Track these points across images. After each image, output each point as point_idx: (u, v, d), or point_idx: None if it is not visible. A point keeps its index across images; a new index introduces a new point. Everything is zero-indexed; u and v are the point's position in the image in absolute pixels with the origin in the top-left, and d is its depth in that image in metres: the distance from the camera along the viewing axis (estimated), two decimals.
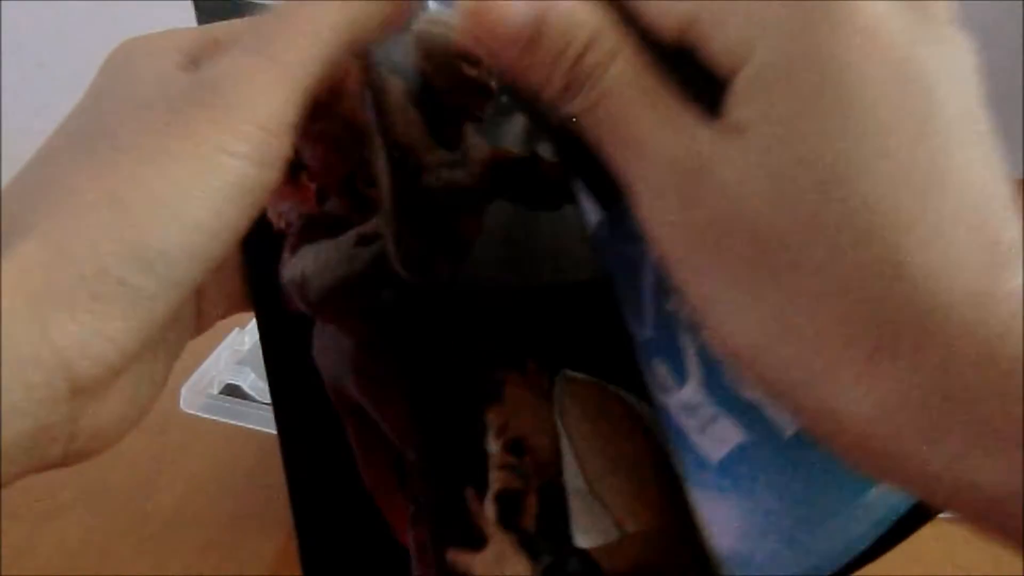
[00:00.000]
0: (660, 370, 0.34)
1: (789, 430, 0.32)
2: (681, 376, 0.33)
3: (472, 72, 0.41)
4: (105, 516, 0.53)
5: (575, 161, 0.34)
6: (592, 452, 0.41)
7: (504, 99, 0.42)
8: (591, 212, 0.34)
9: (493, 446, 0.41)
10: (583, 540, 0.38)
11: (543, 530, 0.38)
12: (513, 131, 0.42)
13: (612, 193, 0.30)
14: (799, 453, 0.32)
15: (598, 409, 0.42)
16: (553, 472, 0.39)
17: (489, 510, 0.38)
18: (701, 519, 0.35)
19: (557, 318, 0.43)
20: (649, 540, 0.38)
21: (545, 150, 0.42)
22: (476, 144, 0.42)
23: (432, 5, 0.40)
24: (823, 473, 0.32)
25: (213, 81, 0.26)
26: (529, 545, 0.38)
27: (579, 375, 0.42)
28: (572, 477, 0.41)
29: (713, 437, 0.34)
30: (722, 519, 0.34)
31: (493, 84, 0.41)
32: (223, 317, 0.37)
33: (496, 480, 0.38)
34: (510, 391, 0.42)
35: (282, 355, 0.37)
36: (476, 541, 0.38)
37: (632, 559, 0.38)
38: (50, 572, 0.49)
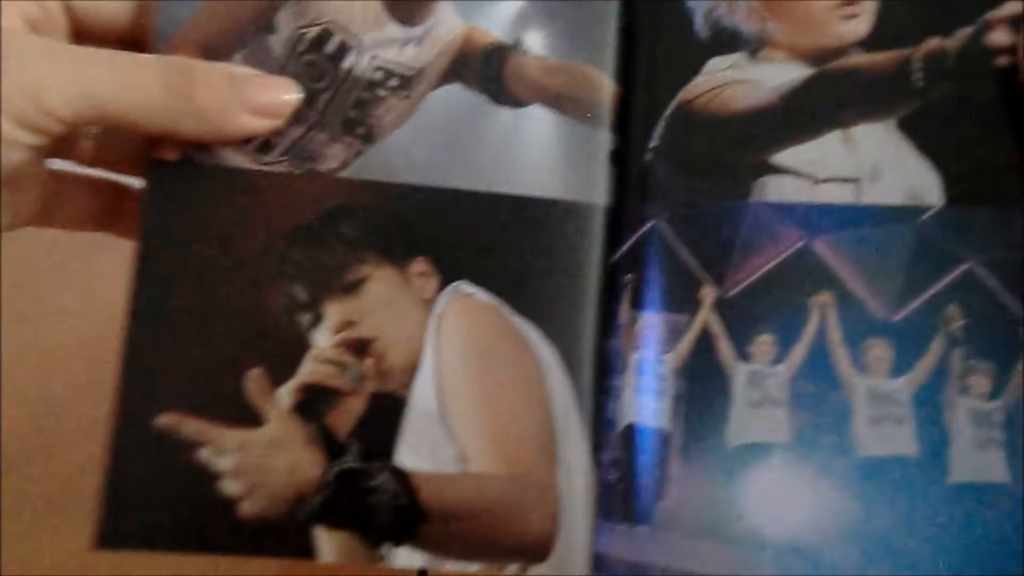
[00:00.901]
0: (880, 352, 0.34)
1: (956, 477, 0.33)
2: (903, 368, 0.34)
3: None
4: None
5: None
6: (459, 377, 0.35)
7: None
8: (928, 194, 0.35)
9: (323, 338, 0.35)
10: (408, 460, 0.35)
11: (358, 436, 0.35)
12: (501, 14, 0.38)
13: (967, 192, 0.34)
14: (954, 503, 0.33)
15: (485, 335, 0.36)
16: (401, 383, 0.36)
17: (284, 397, 0.35)
18: (752, 489, 0.34)
19: (477, 225, 0.37)
20: (492, 485, 0.35)
21: (532, 40, 0.37)
22: (447, 22, 0.38)
23: None
24: (962, 535, 0.32)
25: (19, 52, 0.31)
26: (329, 444, 0.34)
27: (476, 292, 0.36)
28: (424, 396, 0.35)
29: (884, 435, 0.34)
30: (802, 504, 0.34)
31: None
32: (10, 229, 0.38)
33: (310, 373, 0.35)
34: (375, 287, 0.36)
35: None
36: (236, 419, 0.35)
37: (464, 499, 0.34)
38: (68, 563, 0.48)
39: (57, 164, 0.39)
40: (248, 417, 0.35)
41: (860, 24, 0.36)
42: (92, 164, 0.40)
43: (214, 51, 0.36)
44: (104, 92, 0.32)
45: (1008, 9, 0.35)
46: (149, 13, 0.36)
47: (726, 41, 0.37)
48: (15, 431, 0.53)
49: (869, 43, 0.36)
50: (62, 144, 0.37)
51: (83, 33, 0.36)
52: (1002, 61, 0.34)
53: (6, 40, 0.32)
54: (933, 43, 0.35)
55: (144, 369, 0.35)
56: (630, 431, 0.35)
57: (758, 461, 0.34)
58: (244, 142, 0.36)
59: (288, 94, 0.35)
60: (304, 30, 0.37)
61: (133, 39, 0.36)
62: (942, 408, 0.33)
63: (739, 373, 0.35)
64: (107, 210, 0.42)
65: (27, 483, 0.51)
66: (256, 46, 0.37)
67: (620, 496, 0.35)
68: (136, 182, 0.40)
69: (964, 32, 0.35)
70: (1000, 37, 0.35)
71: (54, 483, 0.51)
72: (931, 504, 0.33)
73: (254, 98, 0.35)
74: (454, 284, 0.36)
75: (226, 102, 0.34)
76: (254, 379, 0.35)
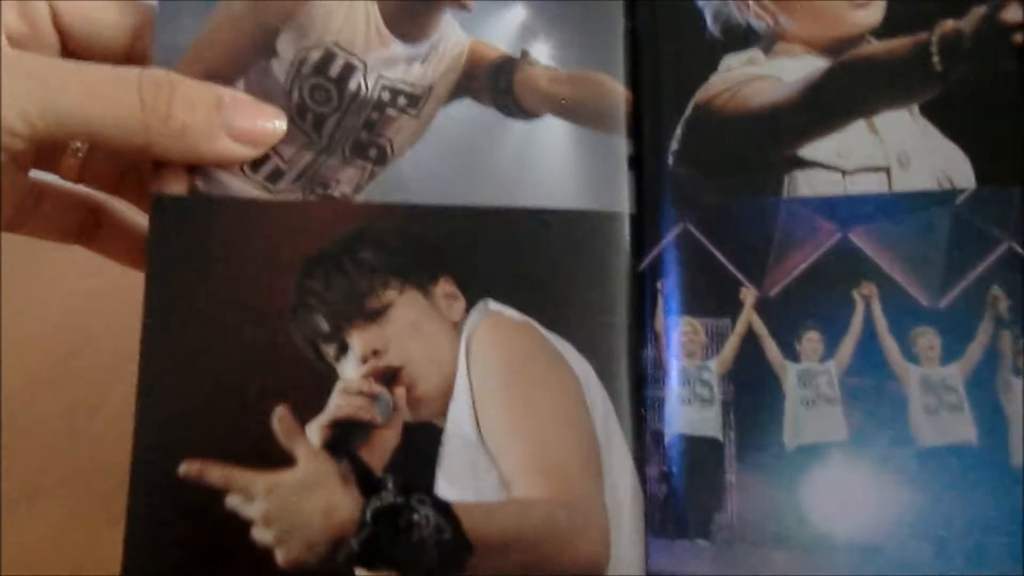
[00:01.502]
0: (928, 340, 0.33)
1: (1017, 459, 0.32)
2: (954, 355, 0.33)
3: None
4: (90, 499, 0.49)
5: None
6: (495, 399, 0.33)
7: None
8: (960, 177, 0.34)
9: (350, 370, 0.33)
10: (449, 491, 0.33)
11: (395, 470, 0.33)
12: (505, 25, 0.37)
13: (999, 173, 0.34)
14: (1019, 488, 0.32)
15: (519, 353, 0.34)
16: (435, 411, 0.34)
17: (313, 435, 0.33)
18: (815, 491, 0.33)
19: (500, 242, 0.35)
20: (539, 511, 0.33)
21: (539, 51, 0.36)
22: (451, 37, 0.37)
23: None
24: None
25: None
26: (364, 480, 0.32)
27: (507, 310, 0.34)
28: (460, 422, 0.33)
29: (941, 425, 0.33)
30: (867, 503, 0.32)
31: None
32: None
33: (339, 407, 0.33)
34: (400, 313, 0.34)
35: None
36: (264, 461, 0.32)
37: (510, 527, 0.32)
38: (32, 555, 0.46)
39: (39, 175, 0.38)
40: (276, 458, 0.33)
41: (872, 12, 0.36)
42: (77, 180, 0.39)
43: (216, 78, 0.34)
44: (68, 106, 0.31)
45: None
46: (147, 34, 0.34)
47: (739, 38, 0.37)
48: None
49: (882, 31, 0.36)
50: (46, 157, 0.36)
51: (77, 53, 0.35)
52: (1019, 38, 0.34)
53: None
54: (948, 25, 0.35)
55: (161, 414, 0.33)
56: (678, 443, 0.34)
57: (818, 462, 0.33)
58: (237, 167, 0.34)
59: (274, 121, 0.34)
60: (306, 53, 0.35)
61: (132, 61, 0.35)
62: (997, 391, 0.33)
63: (789, 373, 0.34)
64: (85, 225, 0.40)
65: None
66: (258, 71, 0.35)
67: (671, 511, 0.34)
68: (117, 201, 0.40)
69: (978, 12, 0.35)
70: (1014, 14, 0.34)
71: (16, 476, 0.50)
72: (996, 490, 0.32)
73: (238, 123, 0.33)
74: (482, 303, 0.35)
75: (207, 124, 0.33)
76: (280, 418, 0.33)
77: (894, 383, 0.33)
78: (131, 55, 0.35)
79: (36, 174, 0.38)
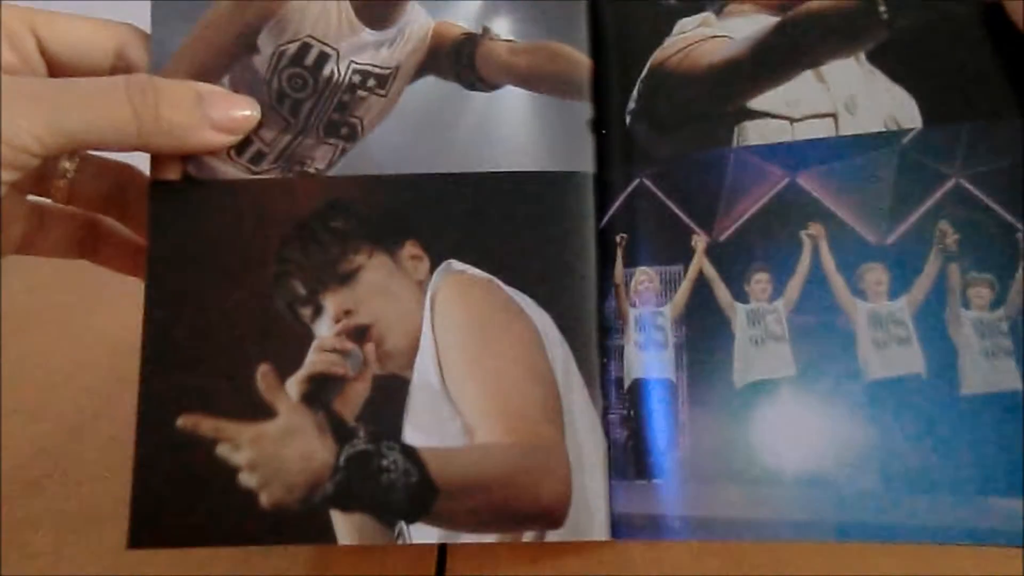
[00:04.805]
0: (876, 276, 0.34)
1: (968, 389, 0.32)
2: (901, 289, 0.34)
3: None
4: None
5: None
6: (458, 351, 0.35)
7: None
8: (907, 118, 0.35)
9: (324, 329, 0.36)
10: (416, 438, 0.35)
11: (366, 419, 0.36)
12: (467, 5, 0.39)
13: (944, 111, 0.34)
14: (968, 416, 0.32)
15: (480, 308, 0.36)
16: (402, 364, 0.36)
17: (292, 389, 0.35)
18: (764, 426, 0.34)
19: (463, 205, 0.37)
20: (501, 454, 0.35)
21: (500, 27, 0.39)
22: (417, 21, 0.40)
23: None
24: (980, 448, 0.32)
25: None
26: (338, 429, 0.35)
27: (468, 268, 0.37)
28: (425, 372, 0.35)
29: (890, 357, 0.33)
30: (815, 435, 0.33)
31: None
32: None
33: (314, 363, 0.36)
34: (369, 275, 0.37)
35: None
36: (249, 414, 0.36)
37: (473, 470, 0.34)
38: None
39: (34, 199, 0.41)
40: (261, 411, 0.36)
41: None
42: (66, 202, 0.42)
43: (203, 76, 0.37)
44: (71, 120, 0.34)
45: None
46: (132, 55, 0.38)
47: (692, 2, 0.38)
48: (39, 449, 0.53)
49: None
50: (39, 182, 0.40)
51: (65, 76, 0.38)
52: None
53: None
54: None
55: (161, 377, 0.36)
56: (636, 387, 0.35)
57: (767, 398, 0.33)
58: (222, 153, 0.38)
59: (247, 110, 0.37)
60: (284, 47, 0.39)
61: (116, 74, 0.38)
62: (946, 323, 0.33)
63: (738, 314, 0.34)
64: (85, 240, 0.44)
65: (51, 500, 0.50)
66: (241, 67, 0.39)
67: (632, 453, 0.35)
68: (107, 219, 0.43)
69: None
70: None
71: (79, 500, 0.50)
72: (946, 419, 0.32)
73: (217, 114, 0.36)
74: (445, 263, 0.37)
75: (190, 119, 0.36)
76: (263, 374, 0.36)
77: (842, 319, 0.34)
78: (115, 72, 0.39)
79: (31, 198, 0.42)
